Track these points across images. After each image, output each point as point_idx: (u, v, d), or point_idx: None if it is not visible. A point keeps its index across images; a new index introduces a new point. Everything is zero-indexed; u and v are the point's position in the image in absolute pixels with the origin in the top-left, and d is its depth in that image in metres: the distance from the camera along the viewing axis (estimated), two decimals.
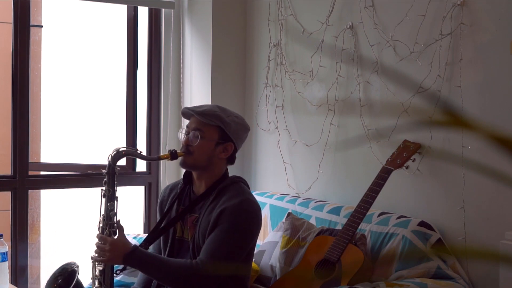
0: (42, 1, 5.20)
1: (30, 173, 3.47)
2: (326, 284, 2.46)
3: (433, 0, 2.61)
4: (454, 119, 0.78)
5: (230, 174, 2.56)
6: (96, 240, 2.39)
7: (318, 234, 2.73)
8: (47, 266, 4.72)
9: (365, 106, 2.93)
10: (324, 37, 3.15)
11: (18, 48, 3.37)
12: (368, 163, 2.89)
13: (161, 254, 2.54)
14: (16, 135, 3.39)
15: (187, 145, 2.45)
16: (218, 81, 3.67)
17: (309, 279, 2.52)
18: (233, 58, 3.74)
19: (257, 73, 3.66)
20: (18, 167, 3.39)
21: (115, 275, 2.46)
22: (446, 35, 2.55)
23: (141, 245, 2.49)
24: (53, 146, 5.12)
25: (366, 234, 2.60)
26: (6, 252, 2.72)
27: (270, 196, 3.27)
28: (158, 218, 2.61)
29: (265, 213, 3.19)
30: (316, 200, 3.07)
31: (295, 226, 2.85)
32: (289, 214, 2.96)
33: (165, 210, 2.57)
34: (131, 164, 3.80)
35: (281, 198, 3.21)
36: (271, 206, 3.19)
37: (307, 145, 3.27)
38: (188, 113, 2.49)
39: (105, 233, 2.39)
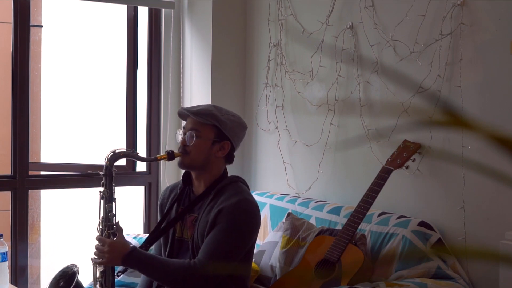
0: (42, 1, 5.20)
1: (30, 173, 3.47)
2: (326, 284, 2.46)
3: (433, 0, 2.61)
4: (454, 119, 0.78)
5: (230, 174, 2.57)
6: (96, 242, 2.39)
7: (318, 234, 2.73)
8: (47, 266, 4.72)
9: (365, 106, 2.93)
10: (324, 37, 3.15)
11: (18, 48, 3.37)
12: (368, 163, 2.89)
13: (161, 254, 2.55)
14: (16, 135, 3.39)
15: (183, 145, 2.46)
16: (218, 81, 3.67)
17: (309, 279, 2.52)
18: (233, 58, 3.74)
19: (257, 73, 3.66)
20: (18, 167, 3.39)
21: (116, 276, 2.46)
22: (446, 35, 2.55)
23: (141, 246, 2.50)
24: (53, 146, 5.12)
25: (366, 234, 2.60)
26: (6, 252, 2.72)
27: (270, 196, 3.27)
28: (159, 219, 2.62)
29: (265, 213, 3.19)
30: (316, 200, 3.07)
31: (295, 226, 2.85)
32: (289, 214, 2.96)
33: (165, 211, 2.57)
34: (131, 164, 3.80)
35: (281, 198, 3.21)
36: (271, 206, 3.20)
37: (307, 145, 3.27)
38: (184, 113, 2.50)
39: (104, 234, 2.39)
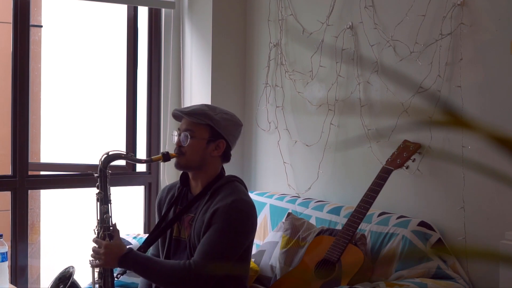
0: (42, 1, 5.20)
1: (30, 173, 3.47)
2: (326, 284, 2.46)
3: (433, 0, 2.61)
4: (454, 119, 0.78)
5: (229, 174, 2.57)
6: (93, 244, 2.40)
7: (318, 234, 2.73)
8: (47, 266, 4.72)
9: (365, 106, 2.93)
10: (324, 37, 3.15)
11: (18, 48, 3.37)
12: (368, 163, 2.89)
13: (160, 254, 2.55)
14: (16, 135, 3.39)
15: (179, 146, 2.46)
16: (218, 81, 3.67)
17: (309, 279, 2.52)
18: (233, 58, 3.74)
19: (257, 73, 3.66)
20: (18, 167, 3.39)
21: (116, 279, 2.46)
22: (446, 35, 2.55)
23: (140, 247, 2.51)
24: (53, 146, 5.12)
25: (366, 234, 2.60)
26: (6, 252, 2.72)
27: (270, 196, 3.27)
28: (157, 218, 2.62)
29: (265, 213, 3.19)
30: (316, 200, 3.07)
31: (295, 226, 2.85)
32: (289, 214, 2.96)
33: (163, 212, 2.58)
34: (131, 164, 3.80)
35: (281, 198, 3.21)
36: (271, 206, 3.20)
37: (307, 145, 3.27)
38: (178, 114, 2.50)
39: (100, 236, 2.40)
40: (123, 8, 3.81)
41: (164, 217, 2.55)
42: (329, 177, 3.16)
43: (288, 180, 3.40)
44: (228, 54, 3.72)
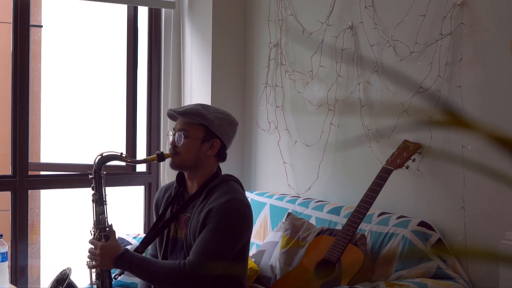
0: (42, 1, 5.20)
1: (30, 173, 3.47)
2: (326, 284, 2.46)
3: (433, 0, 2.61)
4: (454, 119, 0.78)
5: (228, 174, 2.57)
6: (89, 245, 2.41)
7: (318, 234, 2.73)
8: (47, 266, 4.72)
9: (365, 106, 2.93)
10: (324, 37, 3.15)
11: (18, 48, 3.37)
12: (368, 163, 2.89)
13: (157, 254, 2.56)
14: (16, 135, 3.39)
15: (173, 146, 2.46)
16: (218, 81, 3.67)
17: (309, 279, 2.52)
18: (233, 58, 3.74)
19: (257, 73, 3.66)
20: (18, 167, 3.39)
21: (114, 279, 2.47)
22: (446, 35, 2.55)
23: (137, 248, 2.51)
24: (53, 146, 5.12)
25: (366, 234, 2.60)
26: (6, 252, 2.72)
27: (270, 196, 3.27)
28: (154, 218, 2.63)
29: (265, 213, 3.19)
30: (316, 200, 3.07)
31: (295, 226, 2.85)
32: (289, 214, 2.96)
33: (160, 212, 2.58)
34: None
35: (281, 198, 3.20)
36: (271, 206, 3.19)
37: (307, 145, 3.27)
38: (172, 114, 2.50)
39: (96, 237, 2.40)
40: (123, 8, 3.81)
41: (161, 217, 2.56)
42: (329, 177, 3.15)
43: (288, 180, 3.40)
44: (228, 54, 3.72)
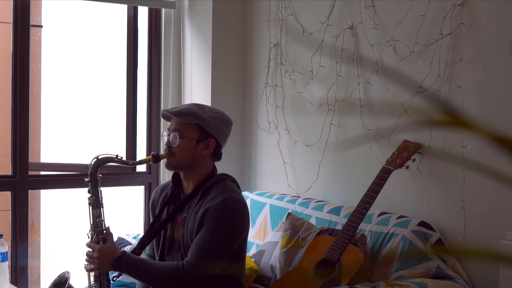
0: (42, 1, 5.20)
1: (30, 173, 3.46)
2: (326, 284, 2.46)
3: (433, 0, 2.61)
4: (454, 119, 0.78)
5: (229, 174, 2.57)
6: (86, 248, 2.41)
7: (318, 234, 2.73)
8: (47, 266, 4.72)
9: (365, 106, 2.93)
10: (324, 37, 3.15)
11: (18, 48, 3.37)
12: (368, 163, 2.89)
13: (154, 254, 2.56)
14: (16, 135, 3.39)
15: (169, 146, 2.46)
16: (218, 81, 3.67)
17: (309, 279, 2.52)
18: (233, 58, 3.74)
19: (257, 73, 3.66)
20: (18, 167, 3.39)
21: (112, 281, 2.47)
22: (446, 35, 2.55)
23: (134, 249, 2.51)
24: (53, 146, 5.12)
25: (366, 234, 2.60)
26: (6, 252, 2.72)
27: (270, 196, 3.27)
28: (151, 219, 2.63)
29: (265, 213, 3.19)
30: (316, 200, 3.07)
31: (295, 226, 2.85)
32: (289, 214, 2.96)
33: (156, 212, 2.57)
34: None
35: (281, 198, 3.20)
36: (271, 206, 3.19)
37: (307, 145, 3.27)
38: (166, 115, 2.49)
39: (93, 240, 2.40)
40: (123, 8, 3.81)
41: (158, 218, 2.56)
42: (329, 177, 3.15)
43: (288, 180, 3.40)
44: (228, 54, 3.72)
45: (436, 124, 2.42)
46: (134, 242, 3.03)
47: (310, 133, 3.26)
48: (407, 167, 2.65)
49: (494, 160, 2.15)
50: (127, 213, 4.53)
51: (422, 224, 2.53)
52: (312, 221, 2.92)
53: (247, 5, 3.74)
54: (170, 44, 3.81)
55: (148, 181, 3.82)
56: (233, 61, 3.74)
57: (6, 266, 2.72)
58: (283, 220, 2.98)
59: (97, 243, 2.39)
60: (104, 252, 2.36)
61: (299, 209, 3.05)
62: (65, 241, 5.02)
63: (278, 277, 2.77)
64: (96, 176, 2.45)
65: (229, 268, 2.41)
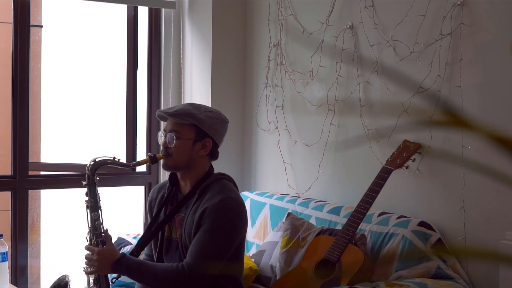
0: (42, 1, 5.20)
1: (30, 173, 3.46)
2: (326, 284, 2.46)
3: (433, 0, 2.61)
4: (454, 119, 0.78)
5: (228, 174, 2.56)
6: (85, 251, 2.41)
7: (318, 234, 2.73)
8: (47, 266, 4.72)
9: (365, 106, 2.93)
10: (324, 37, 3.15)
11: (18, 48, 3.37)
12: (368, 163, 2.89)
13: (152, 254, 2.56)
14: (16, 135, 3.39)
15: (165, 147, 2.45)
16: (218, 81, 3.67)
17: (309, 279, 2.52)
18: (233, 58, 3.74)
19: (257, 73, 3.66)
20: (18, 167, 3.39)
21: (111, 283, 2.47)
22: (446, 35, 2.55)
23: (132, 251, 2.51)
24: (53, 146, 5.12)
25: (366, 234, 2.60)
26: (6, 252, 2.72)
27: (270, 196, 3.27)
28: (149, 219, 2.62)
29: (265, 213, 3.19)
30: (316, 200, 3.07)
31: (295, 226, 2.85)
32: (289, 214, 2.96)
33: (154, 213, 2.57)
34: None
35: (281, 198, 3.20)
36: (271, 206, 3.19)
37: (307, 145, 3.27)
38: (162, 115, 2.49)
39: (92, 243, 2.40)
40: (123, 8, 3.81)
41: (155, 219, 2.55)
42: (329, 177, 3.15)
43: (288, 180, 3.40)
44: (228, 54, 3.72)
45: (436, 124, 2.42)
46: (134, 242, 3.03)
47: (310, 133, 3.26)
48: (407, 167, 2.65)
49: (494, 160, 2.16)
50: (127, 213, 4.53)
51: (422, 224, 2.53)
52: (312, 221, 2.92)
53: (247, 5, 3.74)
54: (170, 44, 3.81)
55: (148, 181, 3.82)
56: (233, 61, 3.74)
57: (6, 266, 2.72)
58: (283, 220, 2.98)
59: (96, 246, 2.39)
60: (103, 254, 2.35)
61: (299, 209, 3.05)
62: (65, 241, 5.03)
63: (278, 277, 2.77)
64: (94, 178, 2.44)
65: (228, 268, 2.41)
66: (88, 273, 2.41)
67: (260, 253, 2.96)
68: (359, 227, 2.53)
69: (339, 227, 2.75)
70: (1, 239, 2.72)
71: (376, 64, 2.87)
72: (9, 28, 3.39)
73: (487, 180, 2.37)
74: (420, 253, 2.52)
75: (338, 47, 3.05)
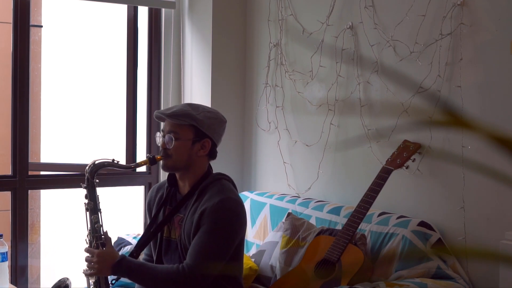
0: (42, 1, 5.20)
1: (30, 173, 3.46)
2: (326, 284, 2.46)
3: (433, 0, 2.61)
4: (454, 119, 0.78)
5: (228, 174, 2.56)
6: (85, 253, 2.41)
7: (318, 234, 2.73)
8: (47, 266, 4.72)
9: (365, 106, 2.93)
10: (324, 37, 3.15)
11: (18, 48, 3.37)
12: (368, 163, 2.89)
13: (151, 254, 2.56)
14: (16, 135, 3.39)
15: (164, 148, 2.45)
16: (218, 81, 3.67)
17: (309, 279, 2.52)
18: (233, 58, 3.74)
19: (257, 73, 3.66)
20: (18, 167, 3.39)
21: (111, 285, 2.47)
22: (446, 35, 2.55)
23: (132, 252, 2.50)
24: (53, 146, 5.12)
25: (366, 234, 2.60)
26: (6, 252, 2.72)
27: (270, 196, 3.27)
28: (148, 219, 2.62)
29: (265, 213, 3.19)
30: (316, 200, 3.07)
31: (295, 226, 2.85)
32: (289, 214, 2.96)
33: (153, 213, 2.57)
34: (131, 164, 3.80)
35: (281, 198, 3.20)
36: (271, 206, 3.19)
37: (307, 145, 3.27)
38: (160, 116, 2.48)
39: (92, 245, 2.40)
40: (123, 8, 3.81)
41: (155, 219, 2.55)
42: (329, 177, 3.15)
43: (288, 180, 3.40)
44: (228, 54, 3.72)
45: (436, 124, 2.42)
46: (134, 242, 3.03)
47: (310, 133, 3.26)
48: (407, 167, 2.65)
49: (494, 160, 2.16)
50: (127, 213, 4.53)
51: (422, 224, 2.53)
52: (312, 221, 2.92)
53: (247, 5, 3.74)
54: (170, 44, 3.81)
55: (148, 181, 3.82)
56: (233, 61, 3.74)
57: (6, 266, 2.72)
58: (283, 220, 2.98)
59: (97, 248, 2.39)
60: (103, 257, 2.35)
61: (299, 209, 3.05)
62: (65, 241, 5.03)
63: (278, 277, 2.77)
64: (93, 181, 2.44)
65: (228, 268, 2.41)
66: (88, 275, 2.41)
67: (260, 253, 2.96)
68: (359, 227, 2.53)
69: (339, 227, 2.75)
70: (1, 239, 2.72)
71: (376, 64, 2.87)
72: (9, 28, 3.39)
73: (487, 180, 2.37)
74: (420, 253, 2.52)
75: (338, 47, 3.05)
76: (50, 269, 4.70)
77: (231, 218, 2.38)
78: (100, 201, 2.46)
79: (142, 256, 2.63)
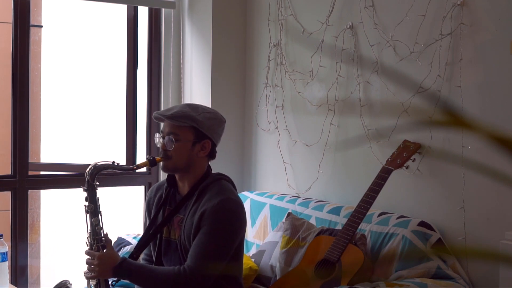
0: (42, 1, 5.20)
1: (30, 173, 3.46)
2: (326, 284, 2.46)
3: (433, 0, 2.61)
4: (454, 119, 0.78)
5: (228, 174, 2.56)
6: (86, 256, 2.41)
7: (318, 234, 2.73)
8: (47, 266, 4.72)
9: (365, 106, 2.93)
10: (324, 37, 3.15)
11: (18, 48, 3.37)
12: (368, 163, 2.89)
13: (151, 255, 2.56)
14: (16, 135, 3.39)
15: (164, 150, 2.44)
16: (218, 81, 3.67)
17: (309, 279, 2.52)
18: (233, 58, 3.74)
19: (257, 73, 3.66)
20: (18, 167, 3.39)
21: (111, 286, 2.46)
22: (446, 35, 2.55)
23: (132, 253, 2.50)
24: (53, 146, 5.12)
25: (366, 234, 2.60)
26: (6, 252, 2.72)
27: (270, 196, 3.27)
28: (147, 219, 2.62)
29: (265, 213, 3.19)
30: (316, 200, 3.07)
31: (295, 226, 2.85)
32: (289, 214, 2.96)
33: (152, 214, 2.56)
34: (131, 164, 3.80)
35: (281, 198, 3.20)
36: (271, 206, 3.19)
37: (307, 145, 3.27)
38: (160, 117, 2.47)
39: (93, 248, 2.40)
40: (123, 8, 3.81)
41: (154, 220, 2.54)
42: (329, 177, 3.15)
43: (288, 180, 3.40)
44: (228, 54, 3.72)
45: (436, 124, 2.42)
46: (134, 242, 3.03)
47: (310, 133, 3.26)
48: (407, 167, 2.65)
49: (494, 160, 2.16)
50: (127, 213, 4.53)
51: (422, 224, 2.53)
52: (312, 221, 2.92)
53: (247, 5, 3.74)
54: (170, 44, 3.81)
55: (148, 181, 3.82)
56: (233, 61, 3.74)
57: (6, 266, 2.72)
58: (283, 220, 2.98)
59: (97, 250, 2.38)
60: (104, 259, 2.35)
61: (299, 209, 3.05)
62: (65, 241, 5.03)
63: (278, 277, 2.77)
64: (94, 184, 2.44)
65: (228, 269, 2.41)
66: (88, 278, 2.40)
67: (260, 253, 2.96)
68: (359, 227, 2.53)
69: (339, 227, 2.75)
70: (1, 239, 2.72)
71: (376, 64, 2.87)
72: (9, 28, 3.39)
73: (487, 180, 2.37)
74: (420, 253, 2.52)
75: (338, 47, 3.05)
76: (50, 269, 4.70)
77: (231, 219, 2.38)
78: (100, 203, 2.45)
79: (141, 256, 2.63)
